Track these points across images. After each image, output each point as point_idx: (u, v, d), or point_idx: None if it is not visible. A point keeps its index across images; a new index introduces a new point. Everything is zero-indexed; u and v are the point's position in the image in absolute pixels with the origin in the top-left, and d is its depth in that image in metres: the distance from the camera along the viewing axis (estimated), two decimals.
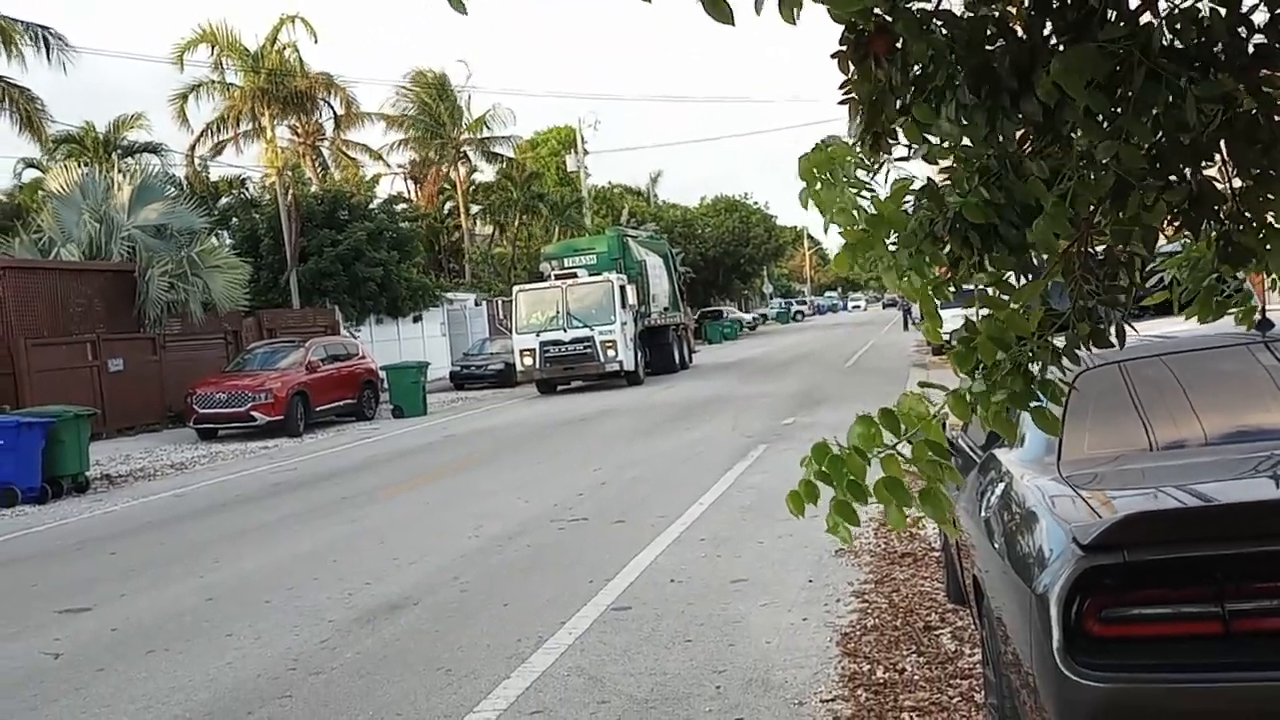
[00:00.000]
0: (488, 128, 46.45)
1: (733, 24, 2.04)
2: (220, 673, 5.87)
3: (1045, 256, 2.43)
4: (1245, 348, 3.77)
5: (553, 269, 28.49)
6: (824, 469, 2.41)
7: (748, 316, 66.95)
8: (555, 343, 25.91)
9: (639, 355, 27.21)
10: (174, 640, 6.59)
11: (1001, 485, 3.73)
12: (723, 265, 60.76)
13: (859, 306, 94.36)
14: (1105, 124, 2.00)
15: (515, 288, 28.78)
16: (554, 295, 26.55)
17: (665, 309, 31.29)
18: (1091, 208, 2.18)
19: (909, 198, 2.46)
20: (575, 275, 27.40)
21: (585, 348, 25.74)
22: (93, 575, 8.93)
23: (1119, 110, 2.01)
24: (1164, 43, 1.98)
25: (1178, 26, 1.97)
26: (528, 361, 26.17)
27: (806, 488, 2.44)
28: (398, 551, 8.71)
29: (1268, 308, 3.77)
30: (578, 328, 25.83)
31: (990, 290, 2.45)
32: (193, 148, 35.31)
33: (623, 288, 26.54)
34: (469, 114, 45.66)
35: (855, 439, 2.41)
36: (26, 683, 6.02)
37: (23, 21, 23.89)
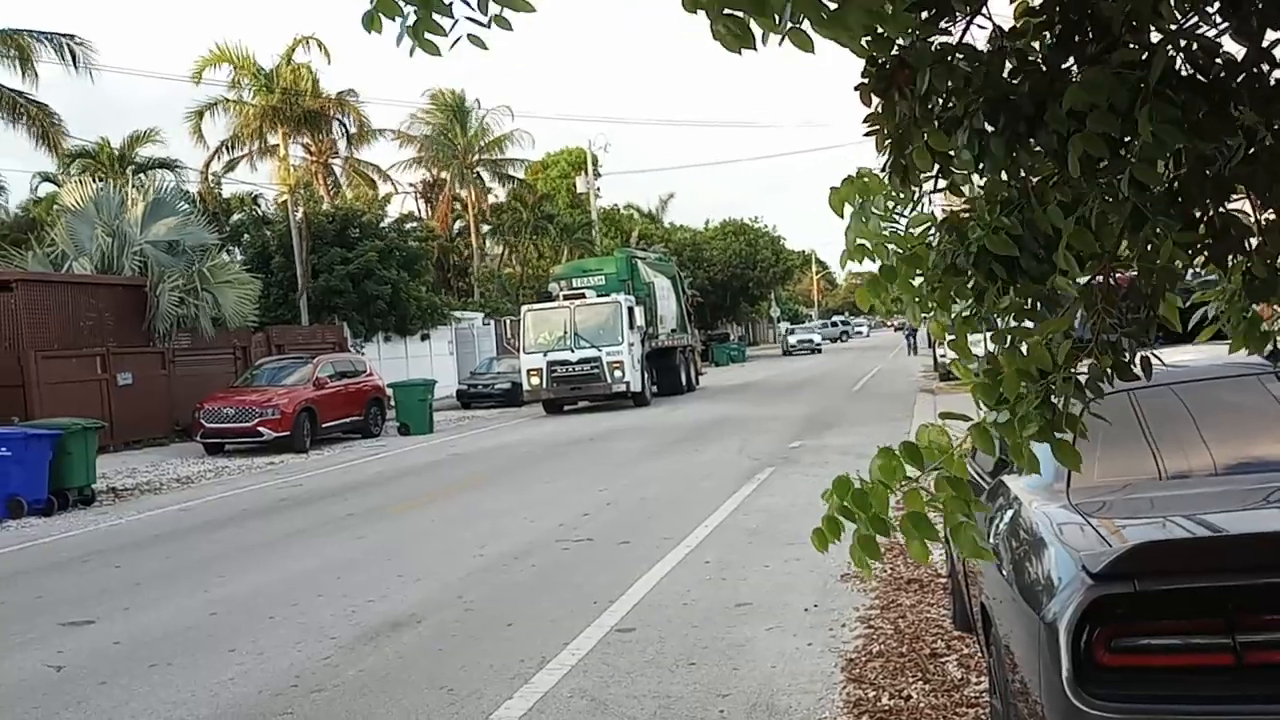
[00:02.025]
0: (501, 149, 46.68)
1: (745, 51, 2.02)
2: (222, 688, 5.85)
3: (1069, 288, 2.42)
4: (1256, 378, 3.76)
5: (561, 289, 28.51)
6: (847, 503, 2.38)
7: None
8: (562, 363, 25.82)
9: (646, 376, 27.14)
10: (177, 654, 6.57)
11: (1010, 512, 3.72)
12: (730, 288, 60.83)
13: (861, 332, 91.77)
14: (1123, 152, 2.00)
15: (523, 307, 28.75)
16: (562, 315, 26.49)
17: (673, 330, 31.26)
18: (1114, 241, 2.17)
19: (931, 231, 2.46)
20: (583, 296, 27.44)
21: (592, 368, 25.68)
22: (97, 588, 8.92)
23: (1130, 140, 2.00)
24: (1183, 74, 1.98)
25: (1200, 60, 1.97)
26: (535, 381, 26.09)
27: (829, 524, 2.41)
28: (402, 569, 8.70)
29: None
30: (585, 348, 25.76)
31: (1016, 321, 2.44)
32: (207, 164, 35.57)
33: (630, 309, 26.51)
34: (490, 133, 45.88)
35: (877, 472, 2.39)
36: (29, 695, 6.00)
37: (46, 34, 24.08)
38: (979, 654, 5.18)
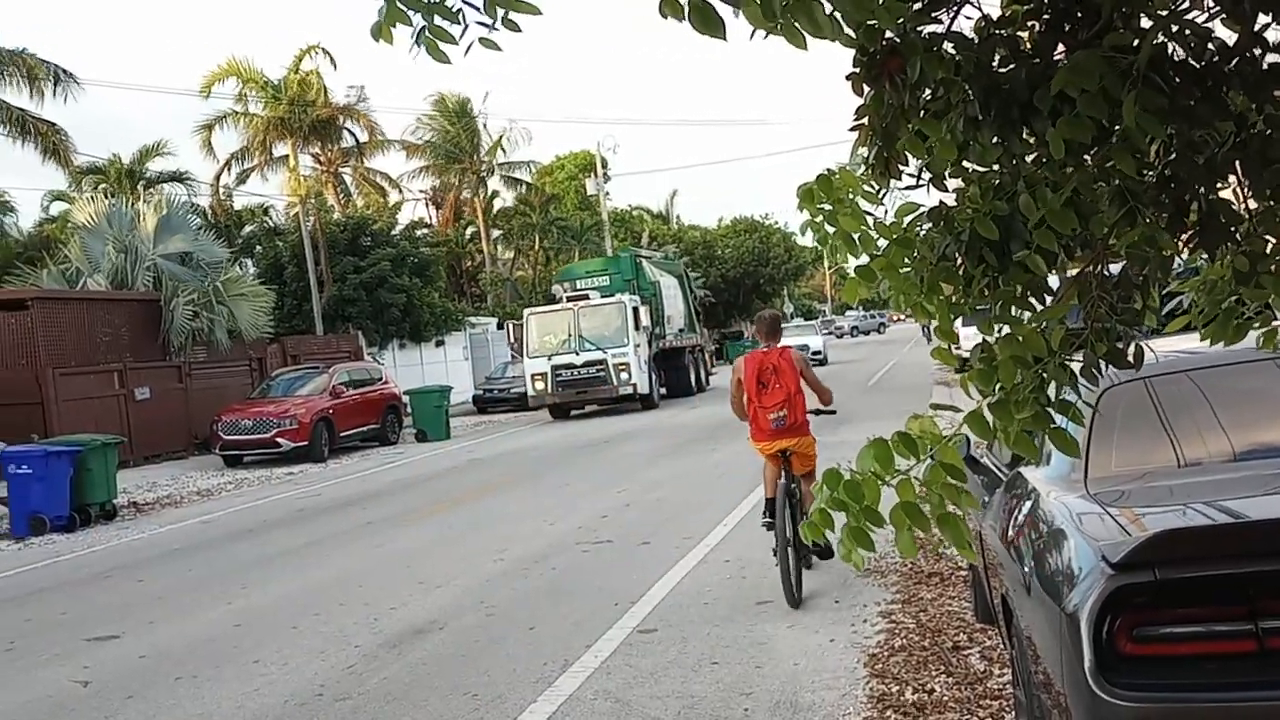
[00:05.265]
0: (503, 151, 46.71)
1: (724, 37, 2.02)
2: (248, 699, 5.89)
3: (1063, 275, 2.42)
4: (1273, 363, 3.74)
5: (565, 291, 28.01)
6: (838, 495, 2.37)
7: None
8: (567, 366, 25.24)
9: (653, 378, 26.61)
10: (202, 667, 6.62)
11: (1028, 503, 3.71)
12: (743, 286, 60.74)
13: (881, 328, 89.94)
14: (1112, 138, 2.00)
15: (526, 310, 28.16)
16: (566, 318, 25.91)
17: (680, 330, 30.74)
18: (1106, 230, 2.17)
19: (917, 222, 2.46)
20: (587, 297, 26.95)
21: (598, 371, 25.11)
22: (121, 603, 8.98)
23: (1116, 126, 2.00)
24: (1176, 59, 1.98)
25: (1192, 45, 1.97)
26: (539, 385, 25.50)
27: (821, 516, 2.41)
28: (423, 576, 8.73)
29: None
30: (590, 350, 25.19)
31: (1005, 310, 2.43)
32: (218, 177, 35.76)
33: (636, 309, 25.86)
34: (488, 137, 45.97)
35: (871, 462, 2.38)
36: (56, 711, 6.06)
37: (42, 60, 24.40)
38: (1001, 646, 5.17)
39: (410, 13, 2.08)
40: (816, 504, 2.44)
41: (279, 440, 20.36)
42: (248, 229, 37.28)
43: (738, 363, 7.64)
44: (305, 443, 20.43)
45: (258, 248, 34.78)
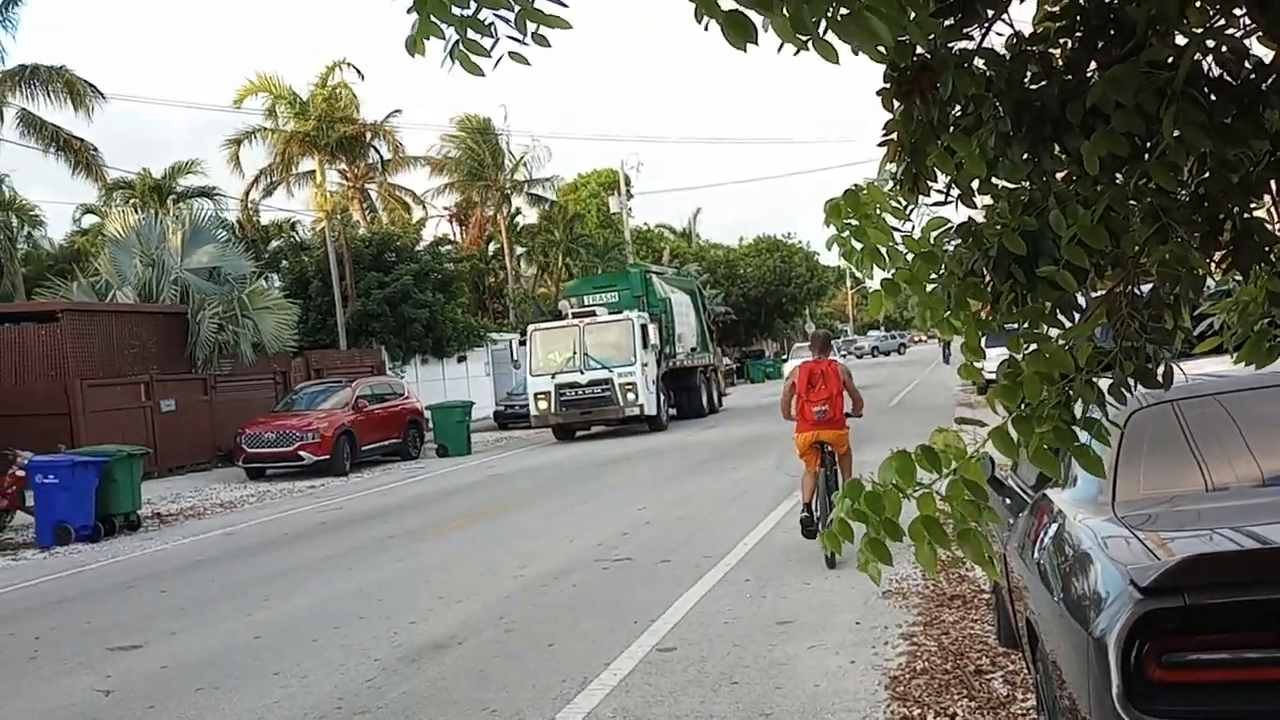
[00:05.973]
0: (526, 169, 46.90)
1: (745, 50, 2.00)
2: (268, 711, 5.90)
3: (1092, 293, 2.40)
4: None
5: (571, 307, 26.83)
6: (859, 506, 2.36)
7: None
8: (571, 385, 24.23)
9: (662, 398, 25.67)
10: (223, 678, 6.64)
11: (1055, 526, 3.68)
12: (765, 305, 60.71)
13: (901, 349, 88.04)
14: (1146, 155, 1.99)
15: (530, 326, 26.73)
16: (571, 335, 24.83)
17: (693, 349, 29.56)
18: (1137, 248, 2.16)
19: (945, 237, 2.45)
20: (594, 313, 25.79)
21: (603, 390, 24.05)
22: (144, 613, 9.03)
23: (1152, 143, 1.98)
24: (1212, 76, 1.97)
25: (1229, 63, 1.96)
26: (543, 405, 24.48)
27: (841, 526, 2.41)
28: (443, 590, 8.73)
29: None
30: (595, 369, 24.16)
31: (1033, 327, 2.41)
32: (246, 192, 36.11)
33: (644, 327, 24.67)
34: (510, 156, 46.17)
35: (893, 475, 2.37)
36: None
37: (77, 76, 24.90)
38: (1025, 670, 5.11)
39: (443, 26, 2.10)
40: (836, 512, 2.44)
41: (301, 453, 20.46)
42: (274, 243, 37.61)
43: (793, 368, 9.46)
44: (327, 456, 20.52)
45: (284, 262, 35.06)
